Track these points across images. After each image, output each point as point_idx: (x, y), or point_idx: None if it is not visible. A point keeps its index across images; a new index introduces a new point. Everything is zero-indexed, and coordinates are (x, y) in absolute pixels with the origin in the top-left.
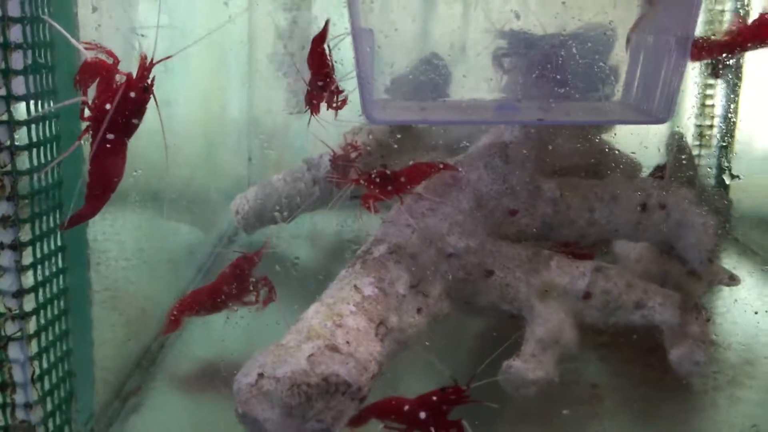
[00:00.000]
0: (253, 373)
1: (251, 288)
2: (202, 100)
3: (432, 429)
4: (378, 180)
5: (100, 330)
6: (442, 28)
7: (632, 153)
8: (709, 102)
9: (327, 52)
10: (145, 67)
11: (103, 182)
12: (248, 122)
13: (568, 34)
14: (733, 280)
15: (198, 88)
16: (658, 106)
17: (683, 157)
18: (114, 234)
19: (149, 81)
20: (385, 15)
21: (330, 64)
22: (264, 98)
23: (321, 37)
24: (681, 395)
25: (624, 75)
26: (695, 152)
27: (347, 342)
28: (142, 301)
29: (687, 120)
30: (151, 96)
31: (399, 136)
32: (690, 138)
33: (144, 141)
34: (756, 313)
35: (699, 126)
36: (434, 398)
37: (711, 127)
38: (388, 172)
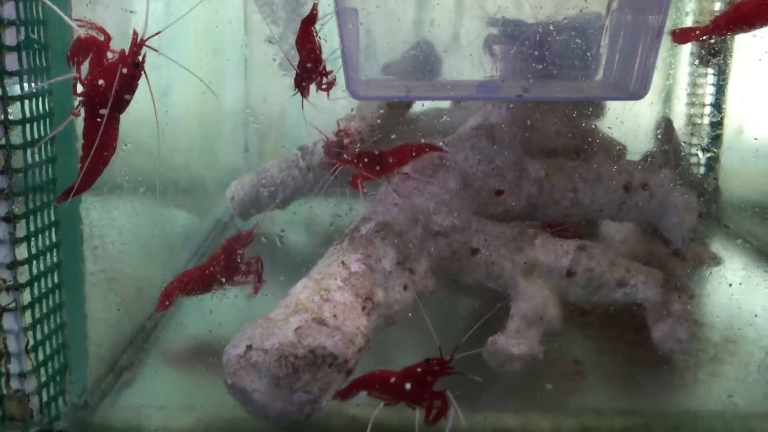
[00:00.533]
0: (241, 345)
1: (243, 268)
2: (198, 89)
3: (417, 399)
4: (366, 160)
5: (96, 309)
6: (433, 12)
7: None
8: (699, 90)
9: (315, 34)
10: (137, 44)
11: (96, 157)
12: (244, 111)
13: (554, 21)
14: (715, 260)
15: (194, 77)
16: (634, 84)
17: (670, 142)
18: (112, 220)
19: (141, 57)
20: None
21: (319, 46)
22: (260, 87)
23: (309, 20)
24: (663, 372)
25: (606, 55)
26: (686, 140)
27: (334, 316)
28: (137, 282)
29: (678, 107)
30: (143, 73)
31: (392, 121)
32: (681, 125)
33: (143, 129)
34: (732, 285)
35: (690, 114)
36: (419, 370)
37: (702, 115)
38: (376, 152)
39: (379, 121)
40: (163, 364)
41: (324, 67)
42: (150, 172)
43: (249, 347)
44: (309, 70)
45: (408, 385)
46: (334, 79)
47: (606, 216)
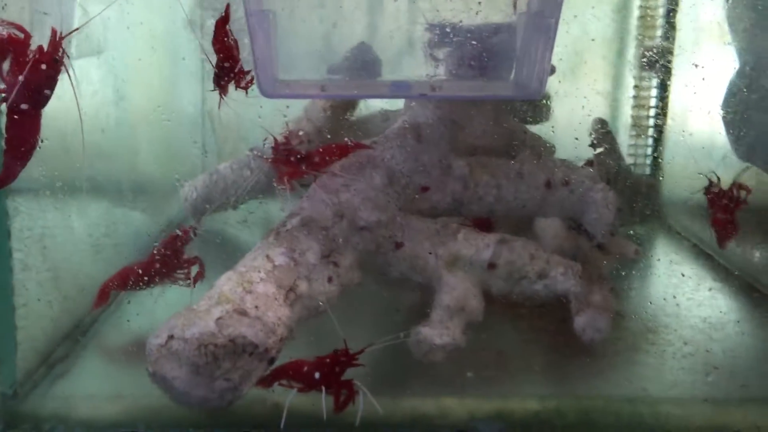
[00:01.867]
0: (163, 334)
1: (183, 265)
2: (155, 93)
3: (326, 387)
4: (294, 160)
5: (37, 305)
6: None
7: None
8: (644, 93)
9: (230, 33)
10: (56, 41)
11: (19, 150)
12: (202, 115)
13: (473, 25)
14: (637, 253)
15: (150, 82)
16: (534, 83)
17: (607, 142)
18: (64, 220)
19: (60, 53)
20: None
21: (234, 45)
22: (217, 91)
23: (224, 20)
24: (583, 360)
25: (516, 56)
26: (632, 141)
27: (256, 307)
28: (82, 280)
29: (626, 110)
30: (66, 70)
31: (337, 123)
32: (627, 127)
33: (98, 132)
34: (660, 278)
35: (635, 116)
36: (328, 360)
37: (647, 117)
38: (303, 152)
39: (324, 122)
40: (99, 357)
41: (241, 67)
42: (106, 175)
43: (170, 337)
44: (226, 69)
45: (318, 374)
46: (253, 78)
47: (529, 211)
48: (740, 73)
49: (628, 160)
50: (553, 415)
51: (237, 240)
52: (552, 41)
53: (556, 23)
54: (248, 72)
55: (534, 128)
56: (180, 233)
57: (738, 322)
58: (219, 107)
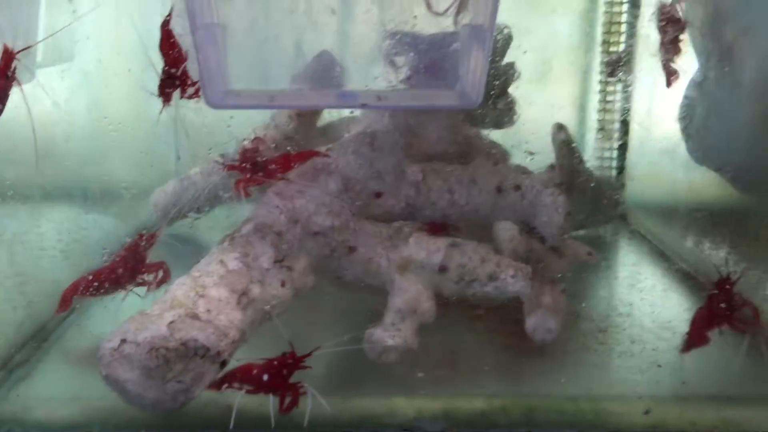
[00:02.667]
0: (116, 338)
1: (146, 270)
2: (130, 99)
3: (274, 390)
4: (250, 167)
5: (1, 310)
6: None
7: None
8: (610, 98)
9: (177, 40)
10: (8, 56)
11: None
12: (175, 121)
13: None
14: (590, 255)
15: (121, 89)
16: (473, 92)
17: (567, 147)
18: (34, 226)
19: (12, 69)
20: (240, 11)
21: (182, 52)
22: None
23: (167, 24)
24: (533, 360)
25: (461, 66)
26: (598, 146)
27: (208, 310)
28: (48, 285)
29: (593, 115)
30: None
31: (303, 130)
32: (593, 132)
33: (72, 142)
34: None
35: (601, 120)
36: (276, 363)
37: (612, 122)
38: (260, 159)
39: (291, 129)
40: (60, 362)
41: (187, 74)
42: (78, 181)
43: (123, 341)
44: (173, 76)
45: (266, 377)
46: (198, 89)
47: (482, 215)
48: (694, 79)
49: (596, 164)
50: (498, 413)
51: (208, 245)
52: (488, 52)
53: (491, 35)
54: (195, 82)
55: (511, 134)
56: (143, 238)
57: (688, 321)
58: (160, 113)
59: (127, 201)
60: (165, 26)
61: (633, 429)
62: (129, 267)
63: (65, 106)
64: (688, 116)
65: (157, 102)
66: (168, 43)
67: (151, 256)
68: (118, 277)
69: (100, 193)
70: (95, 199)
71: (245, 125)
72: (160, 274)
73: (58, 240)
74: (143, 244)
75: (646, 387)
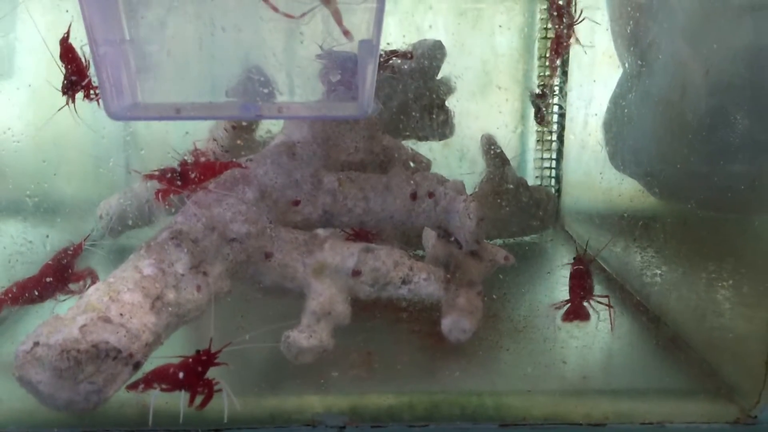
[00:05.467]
0: (29, 341)
1: (74, 278)
2: (81, 113)
3: (190, 387)
4: (170, 177)
5: None
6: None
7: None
8: (546, 110)
9: (76, 50)
10: None
11: None
12: (126, 135)
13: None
14: (507, 260)
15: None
16: (365, 101)
17: (496, 157)
18: None
19: None
20: (152, 30)
21: (81, 60)
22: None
23: (66, 39)
24: (447, 359)
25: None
26: (538, 156)
27: (120, 314)
28: None
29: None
30: None
31: (241, 141)
32: (533, 142)
33: (23, 155)
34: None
35: (539, 132)
36: (190, 361)
37: (551, 132)
38: (179, 168)
39: (228, 141)
40: None
41: (89, 80)
42: (27, 195)
43: (36, 343)
44: (74, 83)
45: (181, 374)
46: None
47: (397, 222)
48: (615, 90)
49: (535, 174)
50: (404, 408)
51: None
52: (376, 64)
53: (377, 47)
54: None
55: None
56: (69, 248)
57: (600, 320)
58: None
59: (75, 214)
60: (63, 41)
61: (528, 422)
62: (56, 275)
63: (10, 121)
64: (608, 124)
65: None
66: (67, 54)
67: (98, 271)
68: (46, 285)
69: (47, 206)
70: (43, 212)
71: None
72: (89, 281)
73: (2, 252)
74: (69, 252)
75: (549, 382)
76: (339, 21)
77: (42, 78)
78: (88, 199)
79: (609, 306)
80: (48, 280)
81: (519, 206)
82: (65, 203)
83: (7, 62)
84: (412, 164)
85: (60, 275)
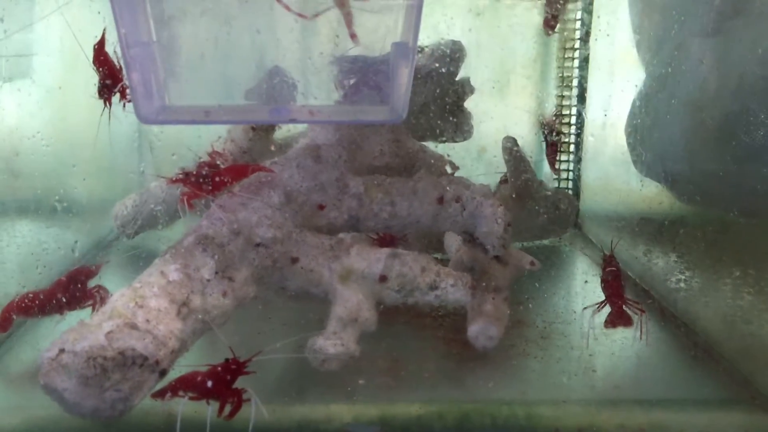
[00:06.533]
0: (54, 348)
1: (86, 296)
2: (96, 113)
3: (218, 396)
4: (194, 181)
5: None
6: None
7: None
8: (566, 111)
9: (110, 55)
10: None
11: None
12: (140, 135)
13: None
14: (533, 265)
15: (86, 104)
16: (399, 106)
17: (517, 159)
18: None
19: None
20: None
21: (115, 64)
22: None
23: (100, 44)
24: (475, 366)
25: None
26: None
27: (147, 320)
28: (1, 300)
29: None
30: None
31: (259, 144)
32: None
33: (36, 155)
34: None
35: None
36: (219, 369)
37: (568, 134)
38: (205, 172)
39: (248, 143)
40: (4, 373)
41: (123, 84)
42: (41, 195)
43: (61, 350)
44: (108, 87)
45: (210, 383)
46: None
47: (424, 227)
48: (639, 94)
49: (553, 175)
50: (433, 418)
51: None
52: (412, 68)
53: (414, 50)
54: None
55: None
56: (85, 268)
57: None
58: (101, 115)
59: (89, 215)
60: (98, 44)
61: None
62: (67, 293)
63: (27, 121)
64: (632, 128)
65: (121, 117)
66: (100, 58)
67: (114, 269)
68: (57, 301)
69: (62, 207)
70: (58, 213)
71: (214, 139)
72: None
73: (15, 254)
74: (84, 272)
75: (580, 391)
76: (349, 24)
77: (68, 82)
78: (104, 199)
79: (641, 311)
80: (59, 296)
81: (539, 209)
82: (79, 204)
83: (25, 64)
84: (448, 169)
85: (72, 293)
